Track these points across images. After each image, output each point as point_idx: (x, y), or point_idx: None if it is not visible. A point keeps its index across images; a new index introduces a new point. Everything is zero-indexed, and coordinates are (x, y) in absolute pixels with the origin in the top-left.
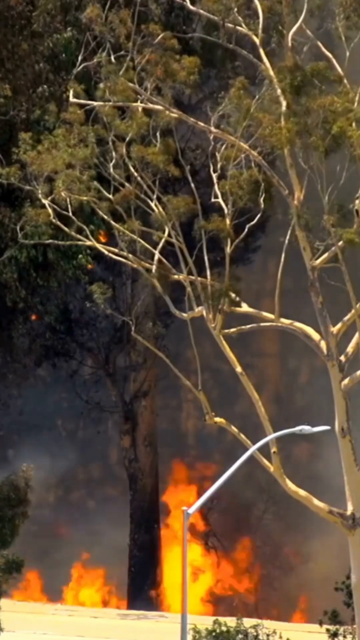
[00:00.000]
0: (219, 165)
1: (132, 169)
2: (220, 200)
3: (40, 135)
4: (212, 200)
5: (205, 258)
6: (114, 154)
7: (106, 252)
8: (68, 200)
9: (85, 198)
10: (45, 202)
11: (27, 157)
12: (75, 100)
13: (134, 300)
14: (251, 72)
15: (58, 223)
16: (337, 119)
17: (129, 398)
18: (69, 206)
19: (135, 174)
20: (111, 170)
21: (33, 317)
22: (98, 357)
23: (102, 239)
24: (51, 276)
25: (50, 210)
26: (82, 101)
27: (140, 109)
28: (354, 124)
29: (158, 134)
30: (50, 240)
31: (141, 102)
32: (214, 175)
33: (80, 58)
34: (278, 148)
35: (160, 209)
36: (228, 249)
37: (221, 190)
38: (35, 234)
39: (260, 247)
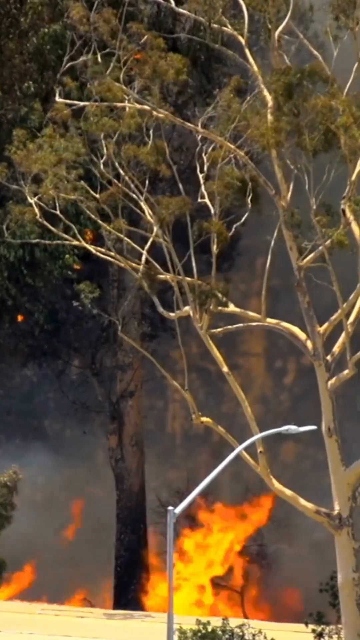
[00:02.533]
0: (205, 167)
1: (119, 169)
2: (207, 200)
3: (27, 134)
4: (199, 200)
5: (192, 258)
6: (104, 151)
7: (93, 252)
8: (56, 199)
9: (72, 197)
10: (32, 200)
11: (16, 157)
12: (61, 100)
13: (120, 300)
14: (239, 72)
15: (44, 222)
16: (331, 118)
17: (115, 398)
18: (57, 205)
19: (123, 173)
20: (101, 167)
21: (19, 318)
22: (85, 357)
23: (89, 238)
24: (38, 275)
25: (36, 209)
26: (68, 101)
27: (128, 108)
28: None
29: (151, 133)
30: (37, 240)
31: (128, 102)
32: (201, 176)
33: (66, 57)
34: (265, 149)
35: (149, 209)
36: (215, 249)
37: (208, 191)
38: (23, 233)
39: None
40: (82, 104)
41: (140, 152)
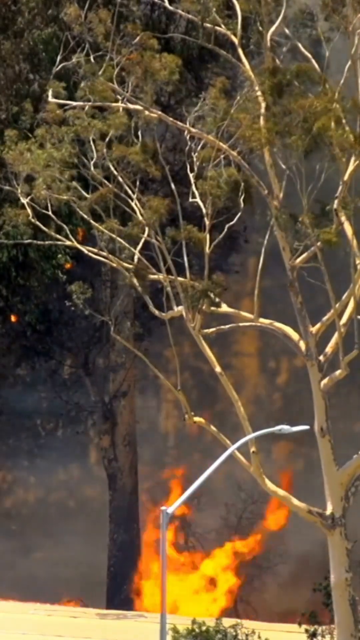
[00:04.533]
0: (195, 166)
1: (112, 168)
2: (198, 200)
3: (19, 135)
4: (191, 200)
5: (185, 258)
6: (94, 153)
7: (86, 252)
8: (48, 199)
9: (64, 197)
10: (25, 201)
11: (9, 157)
12: (54, 100)
13: (113, 300)
14: (231, 73)
15: (37, 223)
16: (318, 118)
17: (108, 398)
18: (49, 206)
19: (115, 173)
20: (91, 169)
21: (12, 319)
22: (77, 357)
23: (81, 237)
24: (31, 276)
25: (29, 210)
26: (60, 101)
27: (120, 108)
28: (332, 124)
29: (140, 133)
30: (29, 240)
31: (121, 102)
32: (191, 175)
33: (59, 57)
34: (257, 148)
35: (140, 209)
36: (207, 249)
37: (199, 191)
38: (16, 233)
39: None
40: (75, 104)
41: (129, 152)
